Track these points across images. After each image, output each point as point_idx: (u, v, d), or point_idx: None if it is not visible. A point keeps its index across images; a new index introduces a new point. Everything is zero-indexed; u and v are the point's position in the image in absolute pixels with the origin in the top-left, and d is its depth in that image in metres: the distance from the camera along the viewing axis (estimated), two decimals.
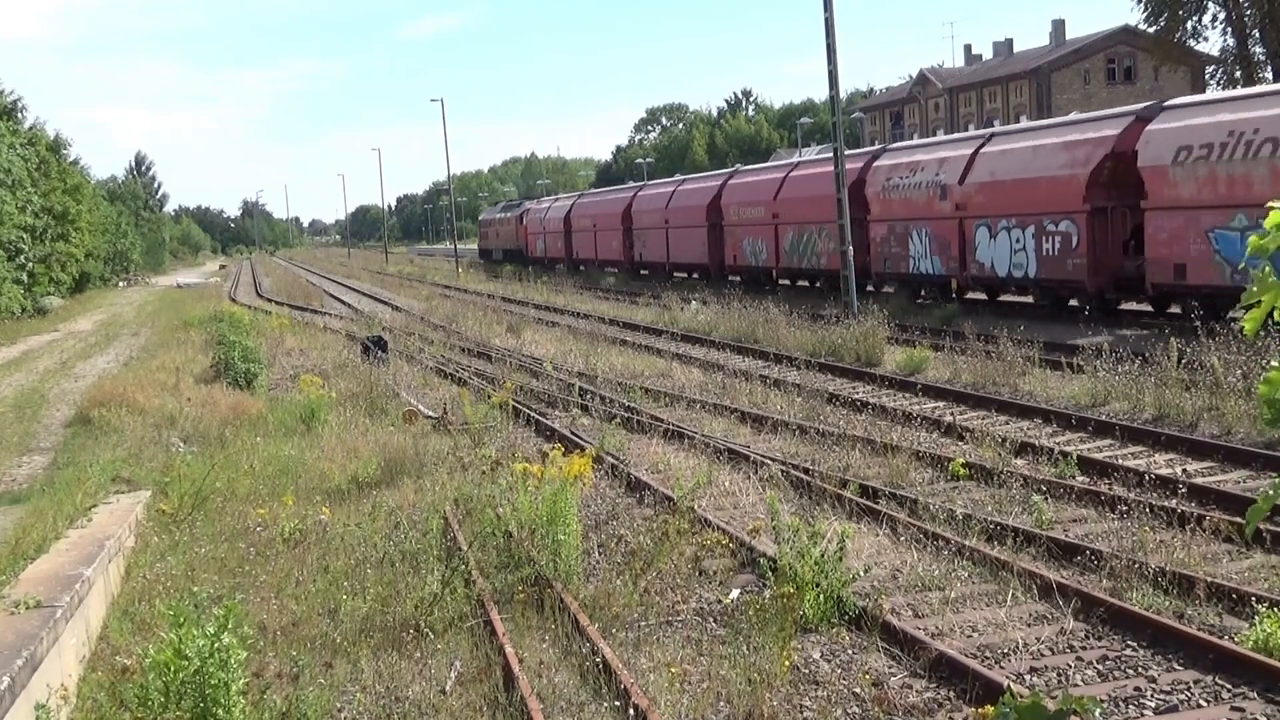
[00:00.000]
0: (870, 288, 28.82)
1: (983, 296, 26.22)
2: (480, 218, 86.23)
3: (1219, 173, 18.82)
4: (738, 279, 36.61)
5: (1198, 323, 15.99)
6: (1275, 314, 2.51)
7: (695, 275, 39.83)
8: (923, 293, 27.54)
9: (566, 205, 57.23)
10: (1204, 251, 18.99)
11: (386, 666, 7.03)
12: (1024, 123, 35.16)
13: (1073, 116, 29.07)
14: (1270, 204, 2.58)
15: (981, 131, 27.36)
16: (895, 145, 34.69)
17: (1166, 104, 21.94)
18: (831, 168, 26.14)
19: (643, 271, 45.53)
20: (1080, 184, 21.59)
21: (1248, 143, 18.31)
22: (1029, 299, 24.27)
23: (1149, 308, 21.73)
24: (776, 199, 33.73)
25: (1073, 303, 23.12)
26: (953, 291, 25.95)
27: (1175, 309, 20.77)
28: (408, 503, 10.72)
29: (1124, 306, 22.37)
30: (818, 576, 7.56)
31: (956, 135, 34.09)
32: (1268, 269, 2.54)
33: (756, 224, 34.97)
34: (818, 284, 32.53)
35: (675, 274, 42.07)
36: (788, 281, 34.73)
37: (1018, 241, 23.40)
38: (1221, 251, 18.74)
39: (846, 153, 25.88)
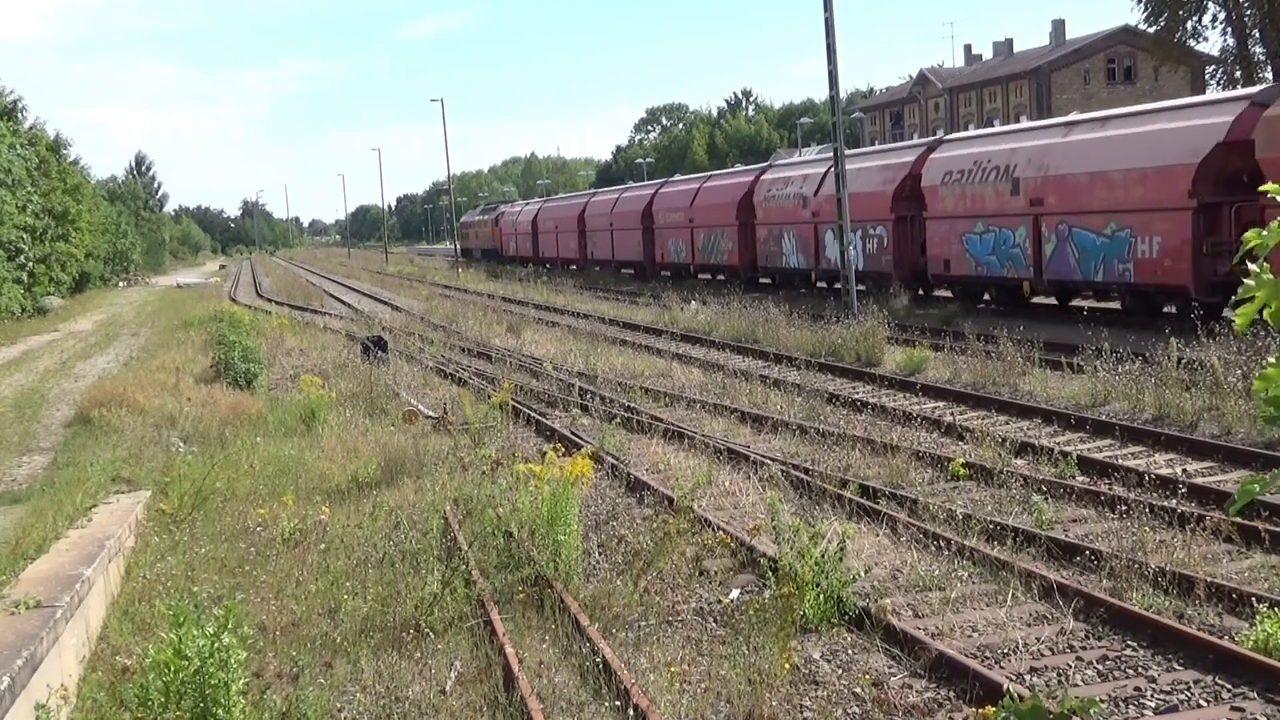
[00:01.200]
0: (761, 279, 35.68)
1: (832, 284, 31.49)
2: (462, 220, 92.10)
3: (967, 192, 25.08)
4: (667, 274, 43.35)
5: (994, 309, 21.91)
6: (1265, 312, 2.50)
7: (634, 271, 46.75)
8: (795, 281, 33.90)
9: (534, 209, 64.27)
10: (959, 250, 25.46)
11: (386, 666, 7.03)
12: (865, 148, 43.06)
13: (889, 146, 38.23)
14: (1264, 188, 2.58)
15: (827, 155, 31.58)
16: (777, 163, 41.09)
17: (946, 138, 29.37)
18: (727, 181, 34.97)
19: (595, 268, 51.35)
20: (888, 198, 28.01)
21: (983, 169, 24.62)
22: (862, 286, 28.66)
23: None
24: (692, 206, 40.14)
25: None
26: (814, 281, 32.66)
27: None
28: (408, 503, 10.72)
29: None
30: (818, 577, 7.56)
31: (813, 157, 40.38)
32: (1264, 266, 2.54)
33: (678, 227, 41.54)
34: (720, 276, 38.21)
35: (622, 270, 48.41)
36: (708, 276, 40.04)
37: (873, 241, 29.20)
38: (969, 250, 25.03)
39: (739, 169, 32.90)
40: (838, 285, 29.08)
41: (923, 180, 26.57)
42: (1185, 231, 19.56)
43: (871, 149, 37.63)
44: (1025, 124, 32.52)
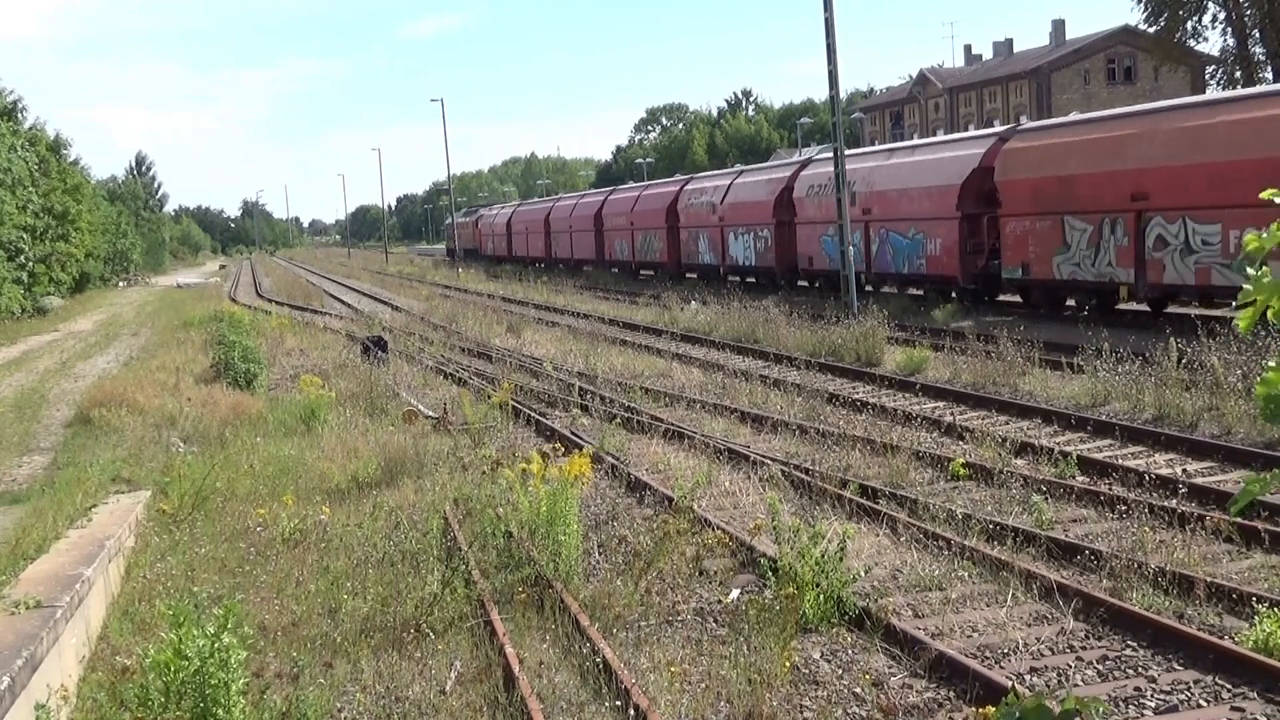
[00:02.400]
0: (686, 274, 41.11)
1: (744, 278, 37.27)
2: (446, 222, 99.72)
3: (823, 203, 30.18)
4: (615, 270, 48.89)
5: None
6: (1269, 314, 2.51)
7: (586, 267, 52.47)
8: (709, 275, 39.25)
9: (509, 213, 70.76)
10: (819, 249, 31.24)
11: (386, 666, 7.03)
12: (756, 165, 48.52)
13: (772, 164, 43.96)
14: (1265, 193, 2.58)
15: (735, 169, 42.56)
16: (697, 175, 47.72)
17: (814, 158, 34.85)
18: (659, 190, 43.11)
19: (559, 266, 56.59)
20: (770, 207, 34.04)
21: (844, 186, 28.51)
22: (753, 279, 36.34)
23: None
24: (633, 211, 46.21)
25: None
26: (723, 275, 37.84)
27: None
28: (408, 503, 10.72)
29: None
30: (818, 577, 7.56)
31: (725, 170, 47.86)
32: (1265, 269, 2.54)
33: (622, 229, 47.59)
34: (654, 272, 44.50)
35: (583, 267, 53.20)
36: (650, 272, 45.57)
37: (746, 242, 36.05)
38: (825, 249, 30.65)
39: (673, 179, 38.33)
40: (733, 278, 37.32)
41: (794, 193, 32.62)
42: (954, 235, 25.46)
43: (761, 165, 44.94)
44: (865, 149, 38.49)
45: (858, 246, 27.87)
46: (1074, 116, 29.20)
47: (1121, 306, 22.30)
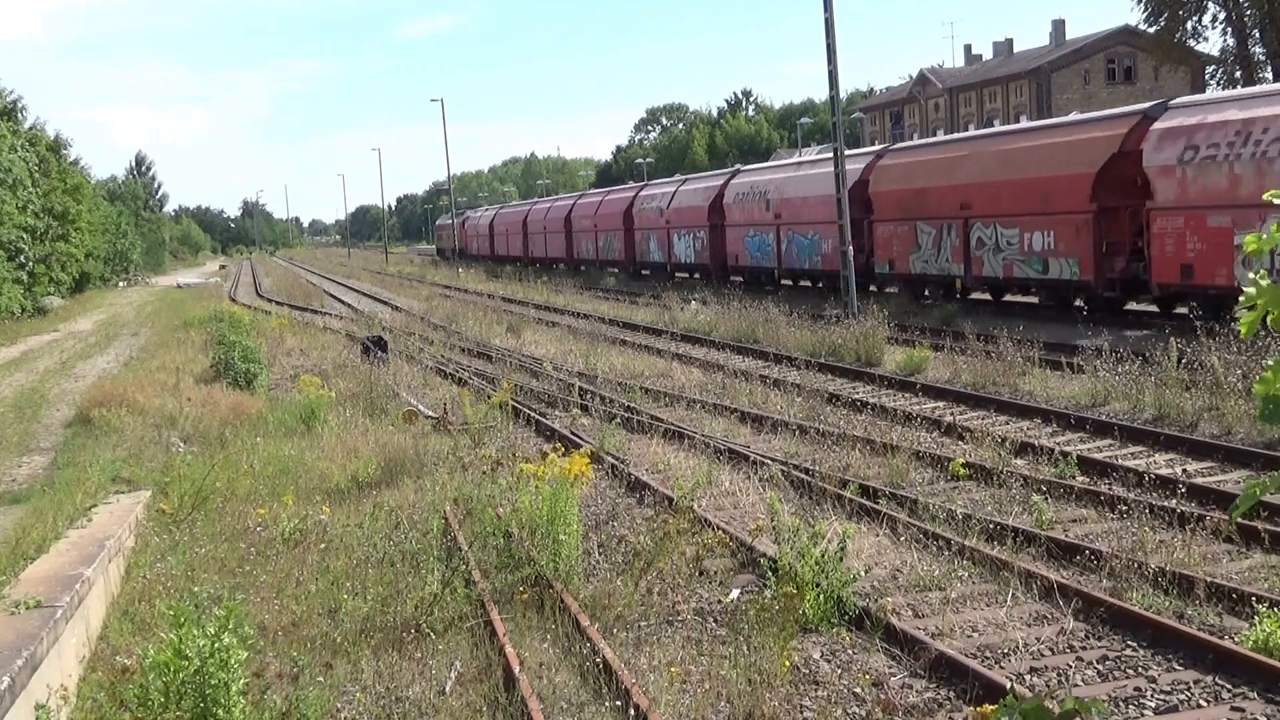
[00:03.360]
0: (643, 272, 46.21)
1: (692, 274, 41.69)
2: (436, 223, 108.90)
3: (746, 208, 35.49)
4: (583, 267, 53.79)
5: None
6: (1269, 319, 2.52)
7: (560, 265, 57.32)
8: (657, 272, 44.22)
9: (491, 215, 78.09)
10: (743, 248, 35.95)
11: (386, 667, 7.03)
12: (695, 174, 52.56)
13: (708, 174, 46.88)
14: (1268, 195, 2.59)
15: (679, 177, 49.16)
16: (650, 182, 53.43)
17: (742, 169, 40.38)
18: (619, 195, 50.38)
19: (535, 264, 61.45)
20: (705, 211, 38.77)
21: (755, 193, 34.93)
22: (687, 274, 41.85)
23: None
24: (596, 214, 52.06)
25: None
26: (670, 273, 43.41)
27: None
28: (408, 503, 10.72)
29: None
30: (818, 577, 7.56)
31: (671, 178, 52.21)
32: (1263, 273, 2.55)
33: (588, 231, 53.15)
34: (614, 269, 49.64)
35: (556, 265, 58.05)
36: (615, 270, 49.81)
37: (687, 243, 40.97)
38: (748, 248, 35.51)
39: (628, 185, 44.28)
40: (682, 274, 42.64)
41: (725, 199, 37.13)
42: (837, 237, 28.10)
43: (700, 175, 48.78)
44: (779, 162, 45.04)
45: (772, 246, 33.86)
46: (928, 140, 36.64)
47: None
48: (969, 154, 25.79)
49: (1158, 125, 20.15)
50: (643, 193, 47.62)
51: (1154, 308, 21.90)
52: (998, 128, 36.04)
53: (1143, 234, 20.32)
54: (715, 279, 37.83)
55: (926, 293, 27.45)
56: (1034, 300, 24.37)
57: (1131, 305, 22.45)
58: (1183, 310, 20.20)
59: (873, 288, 29.27)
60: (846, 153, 26.26)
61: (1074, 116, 25.53)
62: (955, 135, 32.58)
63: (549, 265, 59.16)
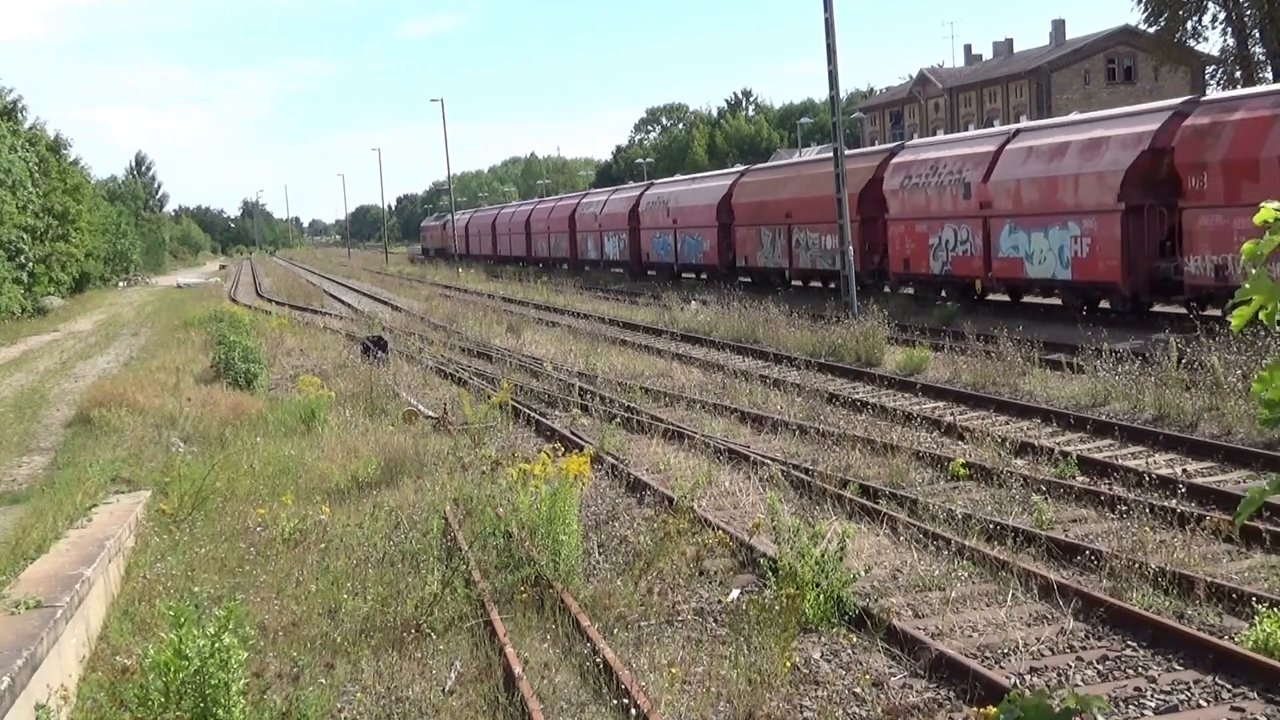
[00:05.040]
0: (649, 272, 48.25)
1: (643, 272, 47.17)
2: (422, 224, 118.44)
3: (657, 213, 43.93)
4: (540, 265, 60.79)
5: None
6: (1262, 314, 2.52)
7: (521, 262, 64.14)
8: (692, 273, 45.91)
9: (466, 218, 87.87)
10: (653, 248, 44.35)
11: (387, 667, 7.03)
12: (697, 174, 54.20)
13: (713, 174, 47.95)
14: (1266, 204, 2.59)
15: (611, 188, 56.33)
16: (592, 190, 61.57)
17: (654, 182, 50.01)
18: (565, 202, 58.53)
19: (507, 264, 66.47)
20: (624, 218, 46.90)
21: (661, 202, 42.45)
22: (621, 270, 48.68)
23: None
24: (549, 218, 60.44)
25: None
26: (603, 267, 50.95)
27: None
28: (408, 503, 10.72)
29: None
30: (818, 576, 7.56)
31: (605, 188, 60.77)
32: (1263, 270, 2.55)
33: (545, 232, 61.48)
34: (565, 265, 57.02)
35: (525, 263, 63.33)
36: (567, 266, 56.63)
37: (614, 243, 49.39)
38: (656, 248, 43.98)
39: (565, 195, 54.65)
40: (616, 270, 49.73)
41: (639, 207, 44.10)
42: (714, 239, 38.61)
43: (621, 187, 55.61)
44: (676, 177, 52.58)
45: (670, 247, 41.80)
46: (773, 163, 47.39)
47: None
48: (793, 176, 34.84)
49: (892, 160, 28.81)
50: (584, 200, 56.43)
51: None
52: (811, 157, 44.47)
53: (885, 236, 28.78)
54: (631, 275, 46.70)
55: (766, 280, 35.37)
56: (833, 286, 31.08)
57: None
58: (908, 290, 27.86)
59: (746, 280, 36.63)
60: (711, 173, 37.02)
61: (837, 153, 27.34)
62: (784, 161, 44.29)
63: (514, 262, 66.43)
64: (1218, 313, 18.76)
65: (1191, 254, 19.45)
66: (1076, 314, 22.24)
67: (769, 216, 34.23)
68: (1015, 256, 23.71)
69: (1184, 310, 20.33)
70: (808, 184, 32.57)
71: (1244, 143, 18.66)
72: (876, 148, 39.82)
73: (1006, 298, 25.84)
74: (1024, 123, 37.18)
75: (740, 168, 43.80)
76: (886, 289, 28.94)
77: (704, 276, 40.28)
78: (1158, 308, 21.54)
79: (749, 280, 36.44)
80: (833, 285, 30.96)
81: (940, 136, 42.97)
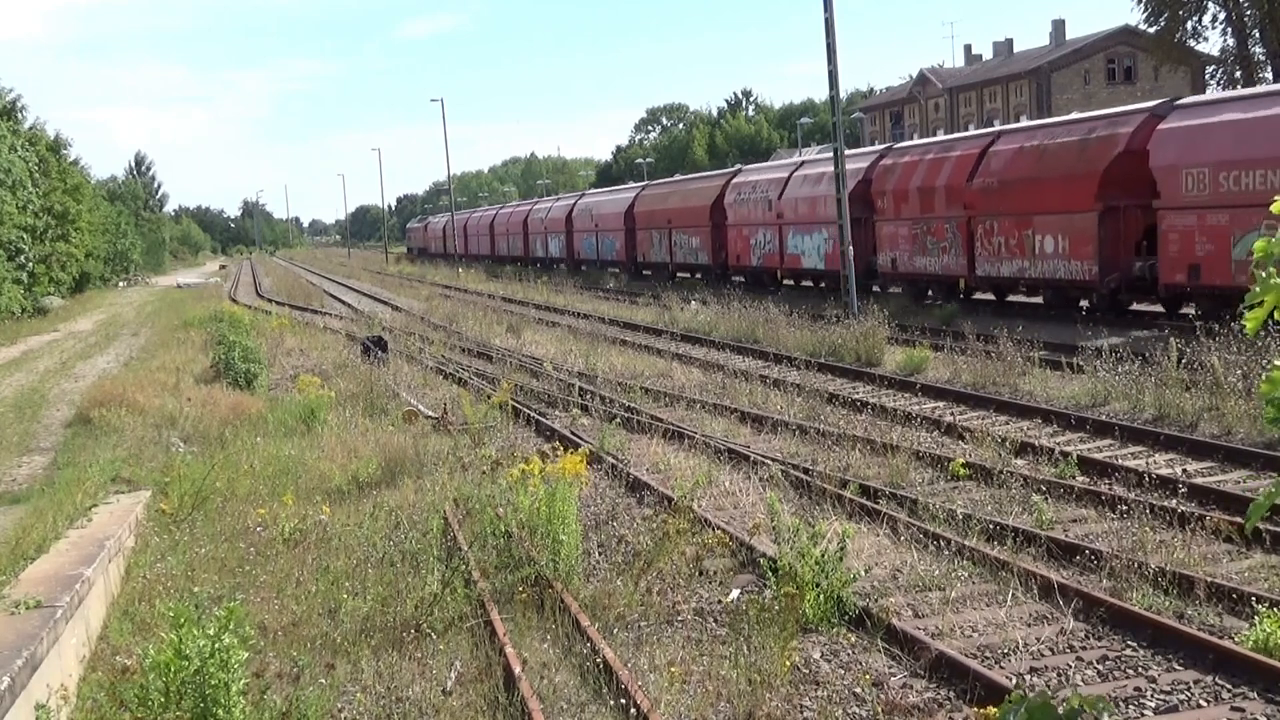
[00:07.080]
0: (582, 268, 55.55)
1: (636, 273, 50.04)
2: (407, 226, 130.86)
3: (590, 218, 53.46)
4: (506, 265, 64.97)
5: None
6: (1277, 314, 2.51)
7: (490, 259, 71.79)
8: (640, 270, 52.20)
9: (444, 220, 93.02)
10: (589, 248, 53.72)
11: (387, 667, 7.03)
12: (692, 174, 58.65)
13: (705, 174, 51.12)
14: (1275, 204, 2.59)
15: (579, 192, 67.72)
16: (561, 196, 69.43)
17: (586, 192, 62.37)
18: (520, 207, 69.51)
19: (503, 264, 69.72)
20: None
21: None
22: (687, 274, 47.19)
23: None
24: (509, 221, 69.85)
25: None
26: (570, 265, 56.79)
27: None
28: (408, 503, 10.72)
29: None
30: (818, 577, 7.56)
31: (572, 193, 70.70)
32: (1272, 271, 2.54)
33: (502, 234, 70.26)
34: (562, 265, 59.57)
35: (523, 264, 65.49)
36: (563, 266, 59.27)
37: (555, 242, 59.09)
38: (585, 248, 54.61)
39: (520, 201, 67.43)
40: (584, 266, 54.99)
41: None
42: (621, 240, 48.78)
43: (697, 175, 54.23)
44: (629, 185, 58.19)
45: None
46: (666, 180, 54.57)
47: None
48: (673, 190, 45.62)
49: (734, 180, 38.67)
50: (537, 205, 66.01)
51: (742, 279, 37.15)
52: (693, 175, 52.92)
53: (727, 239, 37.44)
54: (567, 267, 55.70)
55: (652, 273, 45.54)
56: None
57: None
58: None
59: (646, 273, 46.44)
60: (619, 187, 41.92)
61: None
62: (669, 179, 54.28)
63: (496, 259, 71.74)
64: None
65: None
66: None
67: (657, 222, 44.94)
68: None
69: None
70: (682, 197, 43.12)
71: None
72: (778, 162, 47.00)
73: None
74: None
75: (642, 183, 55.24)
76: (735, 279, 37.24)
77: (699, 276, 42.89)
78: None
79: (648, 274, 46.51)
80: (698, 275, 41.33)
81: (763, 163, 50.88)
